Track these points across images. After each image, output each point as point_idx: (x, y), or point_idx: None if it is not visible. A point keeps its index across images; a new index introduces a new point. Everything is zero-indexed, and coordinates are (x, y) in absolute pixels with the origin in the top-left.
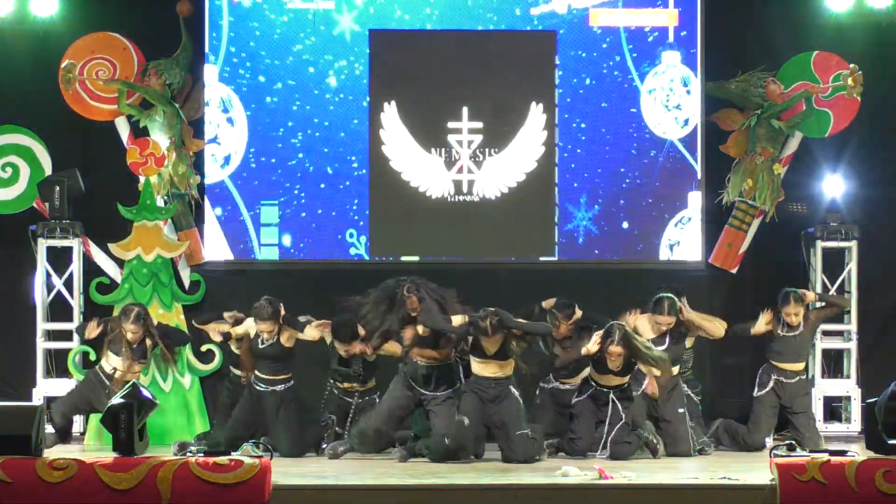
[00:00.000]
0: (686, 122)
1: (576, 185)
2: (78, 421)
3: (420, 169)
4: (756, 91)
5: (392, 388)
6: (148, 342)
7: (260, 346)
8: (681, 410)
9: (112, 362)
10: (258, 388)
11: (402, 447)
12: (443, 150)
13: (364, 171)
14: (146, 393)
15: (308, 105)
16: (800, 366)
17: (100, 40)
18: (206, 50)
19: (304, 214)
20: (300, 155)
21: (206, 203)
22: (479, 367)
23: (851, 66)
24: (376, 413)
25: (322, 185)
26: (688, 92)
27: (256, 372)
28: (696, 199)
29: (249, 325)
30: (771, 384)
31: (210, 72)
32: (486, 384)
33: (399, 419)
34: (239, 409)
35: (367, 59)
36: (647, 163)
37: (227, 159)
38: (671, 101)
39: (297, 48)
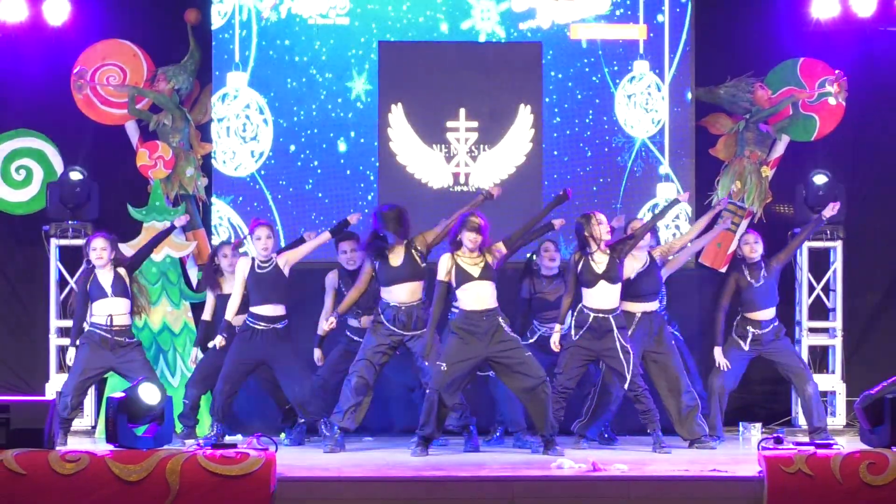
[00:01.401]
0: (658, 122)
1: (555, 176)
2: (90, 415)
3: (423, 163)
4: (744, 96)
5: (368, 337)
6: (121, 272)
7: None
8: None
9: (100, 310)
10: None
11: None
12: (443, 146)
13: (375, 188)
14: (147, 396)
15: (327, 118)
16: (770, 312)
17: (110, 47)
18: (237, 59)
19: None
20: (315, 162)
21: (217, 200)
22: (465, 298)
23: (836, 72)
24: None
25: (330, 200)
26: (662, 98)
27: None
28: (663, 189)
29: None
30: (749, 338)
31: (240, 78)
32: (476, 319)
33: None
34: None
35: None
36: (620, 158)
37: (261, 155)
38: (649, 104)
39: (316, 67)
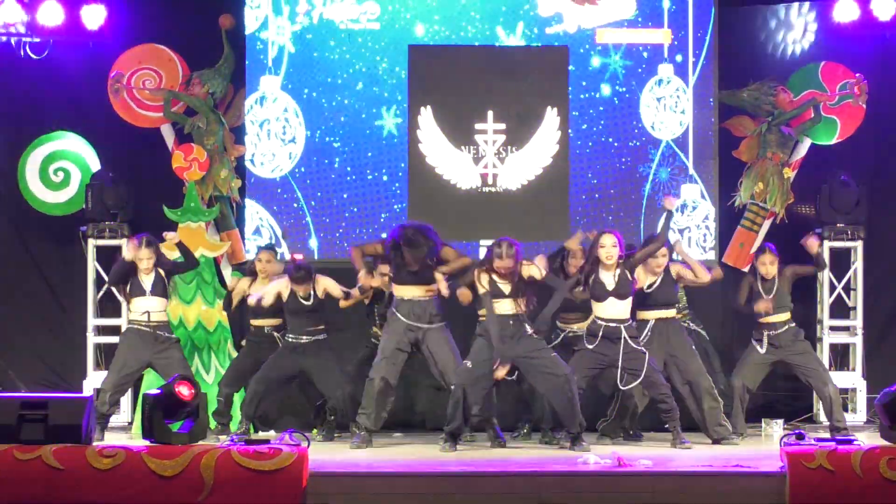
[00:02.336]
0: (683, 124)
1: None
2: (126, 410)
3: (452, 164)
4: (767, 99)
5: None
6: (161, 272)
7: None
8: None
9: (138, 307)
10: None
11: (445, 443)
12: (471, 148)
13: (401, 191)
14: (184, 392)
15: (358, 124)
16: (784, 316)
17: (146, 51)
18: (270, 64)
19: (346, 215)
20: (348, 168)
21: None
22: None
23: (857, 75)
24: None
25: (359, 209)
26: (688, 100)
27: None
28: (687, 190)
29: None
30: (765, 340)
31: (273, 82)
32: (503, 322)
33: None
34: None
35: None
36: (646, 160)
37: (296, 157)
38: (678, 105)
39: (349, 70)
